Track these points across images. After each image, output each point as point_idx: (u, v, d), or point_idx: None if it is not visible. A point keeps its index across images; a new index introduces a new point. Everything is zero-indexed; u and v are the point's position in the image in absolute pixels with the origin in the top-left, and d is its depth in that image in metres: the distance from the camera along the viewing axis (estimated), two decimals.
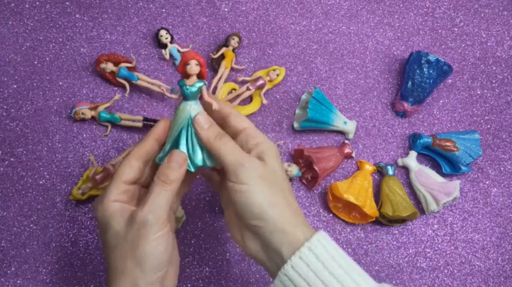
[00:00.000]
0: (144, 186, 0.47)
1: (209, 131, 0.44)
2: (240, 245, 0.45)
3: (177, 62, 0.71)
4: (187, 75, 0.45)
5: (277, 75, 0.70)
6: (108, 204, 0.42)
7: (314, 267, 0.39)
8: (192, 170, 0.44)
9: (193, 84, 0.44)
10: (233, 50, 0.71)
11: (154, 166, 0.46)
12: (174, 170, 0.43)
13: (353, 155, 0.69)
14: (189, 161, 0.44)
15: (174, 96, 0.45)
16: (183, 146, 0.44)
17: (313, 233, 0.41)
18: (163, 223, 0.41)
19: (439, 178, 0.67)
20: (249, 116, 0.70)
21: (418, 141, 0.68)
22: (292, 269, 0.39)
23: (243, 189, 0.41)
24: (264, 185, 0.41)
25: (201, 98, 0.45)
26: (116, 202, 0.43)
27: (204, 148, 0.45)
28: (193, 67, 0.45)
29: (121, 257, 0.41)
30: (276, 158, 0.44)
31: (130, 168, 0.44)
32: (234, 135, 0.46)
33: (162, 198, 0.42)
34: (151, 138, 0.45)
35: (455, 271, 0.66)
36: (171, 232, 0.43)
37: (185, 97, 0.44)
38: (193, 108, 0.44)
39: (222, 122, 0.47)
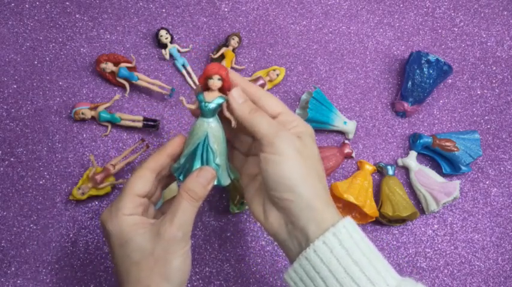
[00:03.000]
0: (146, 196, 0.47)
1: (244, 105, 0.42)
2: (261, 222, 0.44)
3: (177, 62, 0.71)
4: (207, 88, 0.43)
5: (277, 75, 0.70)
6: (123, 218, 0.42)
7: (337, 253, 0.38)
8: (221, 184, 0.45)
9: (212, 101, 0.42)
10: (233, 50, 0.71)
11: (162, 179, 0.47)
12: (203, 186, 0.42)
13: (353, 155, 0.69)
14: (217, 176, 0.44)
15: (192, 106, 0.44)
16: (197, 163, 0.43)
17: (340, 219, 0.40)
18: (189, 237, 0.42)
19: (439, 178, 0.67)
20: None
21: (418, 142, 0.68)
22: (314, 253, 0.38)
23: (277, 160, 0.40)
24: (299, 159, 0.40)
25: (220, 113, 0.44)
26: (131, 215, 0.42)
27: (219, 167, 0.44)
28: (216, 82, 0.42)
29: (146, 271, 0.41)
30: (313, 140, 0.43)
31: (145, 181, 0.44)
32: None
33: (189, 214, 0.42)
34: (165, 153, 0.45)
35: (455, 271, 0.66)
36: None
37: (202, 113, 0.42)
38: (210, 126, 0.42)
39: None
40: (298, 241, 0.41)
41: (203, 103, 0.42)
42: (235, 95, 0.42)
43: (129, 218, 0.42)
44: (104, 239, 0.63)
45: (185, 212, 0.41)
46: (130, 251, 0.41)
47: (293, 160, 0.40)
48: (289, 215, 0.41)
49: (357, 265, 0.38)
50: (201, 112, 0.42)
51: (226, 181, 0.45)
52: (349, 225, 0.39)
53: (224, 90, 0.43)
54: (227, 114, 0.43)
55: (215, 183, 0.44)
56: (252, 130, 0.42)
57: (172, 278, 0.41)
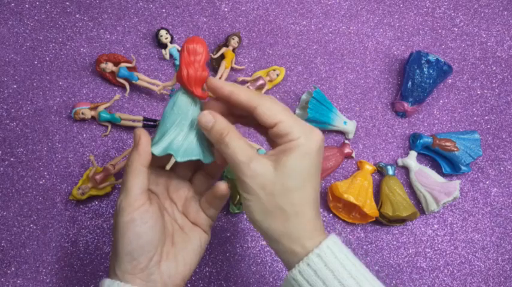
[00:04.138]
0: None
1: (213, 130, 0.41)
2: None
3: (177, 62, 0.71)
4: None
5: (277, 75, 0.70)
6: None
7: (323, 275, 0.37)
8: (179, 159, 0.42)
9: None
10: (233, 50, 0.71)
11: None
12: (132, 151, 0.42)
13: (353, 155, 0.69)
14: (174, 149, 0.41)
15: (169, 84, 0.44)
16: (182, 136, 0.42)
17: (323, 239, 0.39)
18: (137, 205, 0.41)
19: (439, 178, 0.67)
20: None
21: (418, 142, 0.68)
22: (300, 274, 0.38)
23: (243, 196, 0.40)
24: (263, 196, 0.39)
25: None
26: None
27: (202, 142, 0.43)
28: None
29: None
30: (298, 162, 0.39)
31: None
32: (268, 128, 0.41)
33: (129, 181, 0.41)
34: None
35: (455, 271, 0.66)
36: (154, 216, 0.42)
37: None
38: (192, 102, 0.42)
39: (250, 114, 0.41)
40: (283, 260, 0.42)
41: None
42: (203, 122, 0.41)
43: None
44: (104, 237, 0.63)
45: (125, 182, 0.42)
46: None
47: (255, 199, 0.39)
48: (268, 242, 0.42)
49: (343, 286, 0.37)
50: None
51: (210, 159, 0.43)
52: (332, 245, 0.39)
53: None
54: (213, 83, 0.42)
55: (200, 158, 0.42)
56: (223, 155, 0.41)
57: (115, 251, 0.42)
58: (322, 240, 0.39)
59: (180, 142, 0.42)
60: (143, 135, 0.42)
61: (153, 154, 0.42)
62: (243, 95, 0.41)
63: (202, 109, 0.43)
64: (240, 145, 0.40)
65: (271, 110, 0.40)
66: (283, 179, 0.39)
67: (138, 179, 0.41)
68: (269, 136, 0.42)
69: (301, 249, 0.39)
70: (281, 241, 0.40)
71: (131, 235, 0.40)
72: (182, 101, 0.42)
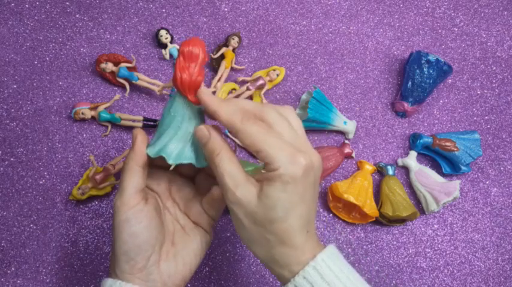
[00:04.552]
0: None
1: (205, 149, 0.40)
2: None
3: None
4: None
5: (277, 75, 0.70)
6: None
7: None
8: (171, 162, 0.41)
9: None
10: (233, 50, 0.71)
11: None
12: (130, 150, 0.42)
13: (353, 155, 0.69)
14: (167, 152, 0.41)
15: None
16: (176, 139, 0.42)
17: (318, 252, 0.39)
18: (131, 205, 0.41)
19: (439, 178, 0.67)
20: None
21: (418, 142, 0.68)
22: None
23: (232, 219, 0.41)
24: (248, 225, 0.39)
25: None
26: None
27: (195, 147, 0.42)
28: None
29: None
30: (278, 193, 0.37)
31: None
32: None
33: (125, 181, 0.41)
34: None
35: (455, 271, 0.66)
36: (148, 215, 0.42)
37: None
38: (189, 104, 0.41)
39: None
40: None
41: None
42: (198, 134, 0.41)
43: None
44: (104, 237, 0.63)
45: (122, 181, 0.42)
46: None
47: (242, 226, 0.40)
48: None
49: None
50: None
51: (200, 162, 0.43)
52: (327, 258, 0.39)
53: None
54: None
55: (185, 162, 0.42)
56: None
57: (114, 251, 0.42)
58: (317, 253, 0.39)
59: (174, 145, 0.41)
60: (139, 135, 0.42)
61: (148, 155, 0.42)
62: (224, 117, 0.39)
63: (201, 112, 0.43)
64: (228, 169, 0.39)
65: (251, 137, 0.38)
66: (265, 210, 0.38)
67: (133, 178, 0.41)
68: None
69: (289, 273, 0.39)
70: (269, 266, 0.41)
71: (126, 235, 0.41)
72: (179, 103, 0.41)
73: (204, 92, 0.40)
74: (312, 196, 0.40)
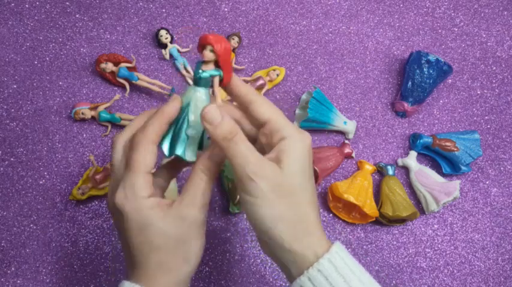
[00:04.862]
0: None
1: (218, 129, 0.38)
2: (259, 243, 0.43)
3: (177, 62, 0.71)
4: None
5: (277, 75, 0.70)
6: (142, 201, 0.38)
7: (334, 281, 0.36)
8: (167, 155, 0.40)
9: (207, 71, 0.39)
10: (233, 50, 0.71)
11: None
12: (218, 165, 0.40)
13: (353, 155, 0.69)
14: (168, 146, 0.40)
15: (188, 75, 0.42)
16: (171, 128, 0.40)
17: (330, 246, 0.38)
18: (206, 217, 0.41)
19: (439, 178, 0.67)
20: None
21: (418, 142, 0.68)
22: (309, 281, 0.37)
23: (252, 201, 0.38)
24: (273, 199, 0.37)
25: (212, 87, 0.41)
26: (150, 197, 0.39)
27: (188, 139, 0.41)
28: (207, 54, 0.39)
29: (168, 255, 0.39)
30: (297, 161, 0.38)
31: (151, 155, 0.39)
32: (259, 127, 0.41)
33: (208, 194, 0.40)
34: (164, 120, 0.40)
35: (455, 271, 0.66)
36: None
37: (195, 80, 0.40)
38: (196, 95, 0.40)
39: (244, 111, 0.41)
40: (286, 272, 0.40)
41: (197, 70, 0.40)
42: (208, 115, 0.37)
43: (148, 201, 0.39)
44: (104, 237, 0.63)
45: (205, 193, 0.39)
46: (152, 236, 0.39)
47: (265, 203, 0.37)
48: (271, 251, 0.40)
49: None
50: (193, 79, 0.40)
51: (191, 157, 0.41)
52: (340, 251, 0.38)
53: (219, 65, 0.40)
54: (216, 91, 0.40)
55: (179, 154, 0.40)
56: (227, 157, 0.39)
57: (192, 259, 0.40)
58: (330, 245, 0.38)
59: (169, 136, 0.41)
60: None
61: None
62: (243, 88, 0.41)
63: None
64: (249, 146, 0.38)
65: (263, 106, 0.40)
66: (290, 179, 0.38)
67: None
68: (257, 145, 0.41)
69: (313, 256, 0.38)
70: (292, 248, 0.38)
71: (204, 242, 0.42)
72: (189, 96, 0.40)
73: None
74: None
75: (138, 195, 0.38)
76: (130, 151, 0.39)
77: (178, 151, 0.40)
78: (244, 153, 0.38)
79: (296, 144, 0.39)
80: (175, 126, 0.40)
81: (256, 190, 0.37)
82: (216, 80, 0.40)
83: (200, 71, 0.39)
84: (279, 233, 0.38)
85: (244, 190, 0.38)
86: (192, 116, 0.40)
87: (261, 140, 0.41)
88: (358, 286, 0.37)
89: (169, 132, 0.41)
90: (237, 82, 0.42)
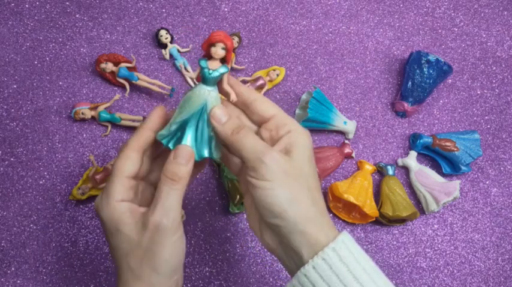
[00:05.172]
0: (144, 180, 0.44)
1: (226, 125, 0.40)
2: (258, 237, 0.43)
3: (177, 62, 0.71)
4: (209, 56, 0.41)
5: (277, 75, 0.70)
6: (114, 205, 0.39)
7: (337, 270, 0.36)
8: (197, 159, 0.41)
9: (217, 69, 0.40)
10: (233, 50, 0.71)
11: (153, 157, 0.44)
12: (182, 166, 0.39)
13: (353, 155, 0.69)
14: (195, 150, 0.41)
15: (193, 75, 0.42)
16: (190, 132, 0.40)
17: (337, 234, 0.38)
18: (178, 224, 0.39)
19: (439, 178, 0.67)
20: None
21: (418, 142, 0.68)
22: (313, 269, 0.37)
23: (262, 185, 0.38)
24: (286, 182, 0.38)
25: (219, 84, 0.42)
26: (123, 201, 0.40)
27: (213, 138, 0.42)
28: (219, 51, 0.40)
29: (136, 262, 0.39)
30: (305, 150, 0.40)
31: (131, 161, 0.41)
32: (261, 123, 0.43)
33: (173, 198, 0.39)
34: (147, 128, 0.42)
35: (455, 271, 0.66)
36: (183, 232, 0.41)
37: (204, 80, 0.40)
38: (211, 95, 0.40)
39: (245, 108, 0.43)
40: (294, 261, 0.40)
41: (206, 70, 0.40)
42: (217, 115, 0.40)
43: (119, 205, 0.40)
44: (104, 236, 0.63)
45: (167, 196, 0.39)
46: (119, 241, 0.40)
47: (279, 184, 0.38)
48: (281, 237, 0.40)
49: (358, 282, 0.36)
50: (202, 79, 0.41)
51: (218, 155, 0.42)
52: (347, 240, 0.38)
53: (226, 61, 0.41)
54: (227, 87, 0.41)
55: (207, 155, 0.41)
56: (236, 152, 0.40)
57: (162, 269, 0.39)
58: (337, 234, 0.39)
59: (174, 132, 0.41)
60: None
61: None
62: (243, 88, 0.43)
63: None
64: (256, 137, 0.40)
65: (266, 102, 0.43)
66: (300, 165, 0.40)
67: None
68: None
69: (325, 237, 0.38)
70: (306, 230, 0.38)
71: (179, 252, 0.42)
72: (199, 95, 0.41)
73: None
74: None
75: (112, 199, 0.40)
76: (115, 159, 0.41)
77: (206, 153, 0.41)
78: (253, 141, 0.39)
79: (302, 136, 0.41)
80: (195, 130, 0.41)
81: (269, 173, 0.38)
82: (225, 77, 0.41)
83: (210, 70, 0.40)
84: (294, 215, 0.38)
85: (257, 175, 0.38)
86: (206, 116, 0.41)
87: (264, 135, 0.42)
88: (362, 275, 0.37)
89: (185, 136, 0.41)
90: (237, 82, 0.43)
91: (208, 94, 0.40)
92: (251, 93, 0.43)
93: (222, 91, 0.42)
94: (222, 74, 0.40)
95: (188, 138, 0.41)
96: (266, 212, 0.39)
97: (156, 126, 0.43)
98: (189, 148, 0.40)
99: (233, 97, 0.42)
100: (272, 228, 0.40)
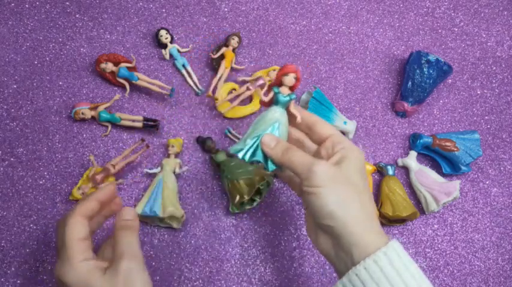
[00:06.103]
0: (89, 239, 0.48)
1: (275, 149, 0.46)
2: (313, 242, 0.47)
3: (177, 62, 0.71)
4: (280, 83, 0.48)
5: None
6: (78, 265, 0.42)
7: (387, 273, 0.39)
8: (269, 170, 0.47)
9: (289, 95, 0.47)
10: (233, 50, 0.71)
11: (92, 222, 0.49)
12: (136, 217, 0.48)
13: None
14: (269, 162, 0.47)
15: (266, 99, 0.50)
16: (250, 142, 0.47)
17: (388, 241, 0.41)
18: (144, 265, 0.44)
19: (439, 178, 0.67)
20: (248, 116, 0.70)
21: (418, 142, 0.68)
22: (364, 270, 0.40)
23: (315, 191, 0.42)
24: (334, 186, 0.42)
25: (287, 108, 0.48)
26: (85, 261, 0.43)
27: None
28: (291, 79, 0.47)
29: None
30: (356, 162, 0.45)
31: (81, 224, 0.45)
32: (320, 142, 0.48)
33: (135, 241, 0.45)
34: (95, 200, 0.47)
35: (455, 271, 0.66)
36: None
37: (277, 103, 0.47)
38: (283, 115, 0.48)
39: (308, 130, 0.50)
40: (344, 262, 0.42)
41: (280, 94, 0.47)
42: (266, 140, 0.46)
43: (83, 264, 0.43)
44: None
45: (131, 241, 0.45)
46: None
47: (329, 188, 0.42)
48: (333, 238, 0.43)
49: (405, 285, 0.39)
50: (275, 102, 0.48)
51: (272, 167, 0.48)
52: (398, 247, 0.41)
53: (293, 88, 0.48)
54: (294, 110, 0.48)
55: (275, 167, 0.47)
56: (290, 170, 0.45)
57: None
58: (387, 240, 0.41)
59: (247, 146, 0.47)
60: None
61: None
62: (306, 113, 0.50)
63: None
64: (304, 152, 0.45)
65: (326, 124, 0.49)
66: (348, 174, 0.44)
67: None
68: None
69: (375, 241, 0.41)
70: (355, 231, 0.41)
71: None
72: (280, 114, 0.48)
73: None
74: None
75: (75, 260, 0.42)
76: (63, 228, 0.44)
77: (259, 157, 0.47)
78: (302, 156, 0.44)
79: (354, 151, 0.46)
80: (258, 139, 0.47)
81: (318, 179, 0.42)
82: (293, 102, 0.48)
83: (283, 95, 0.48)
84: (342, 215, 0.41)
85: (308, 183, 0.43)
86: (282, 133, 0.47)
87: (322, 153, 0.47)
88: (410, 280, 0.39)
89: (259, 151, 0.47)
90: (300, 108, 0.50)
91: (281, 115, 0.47)
92: (312, 116, 0.49)
93: (289, 113, 0.49)
94: (291, 99, 0.48)
95: (261, 153, 0.47)
96: (317, 214, 0.43)
97: (104, 200, 0.48)
98: (132, 209, 0.48)
99: (299, 119, 0.48)
100: (324, 229, 0.43)
